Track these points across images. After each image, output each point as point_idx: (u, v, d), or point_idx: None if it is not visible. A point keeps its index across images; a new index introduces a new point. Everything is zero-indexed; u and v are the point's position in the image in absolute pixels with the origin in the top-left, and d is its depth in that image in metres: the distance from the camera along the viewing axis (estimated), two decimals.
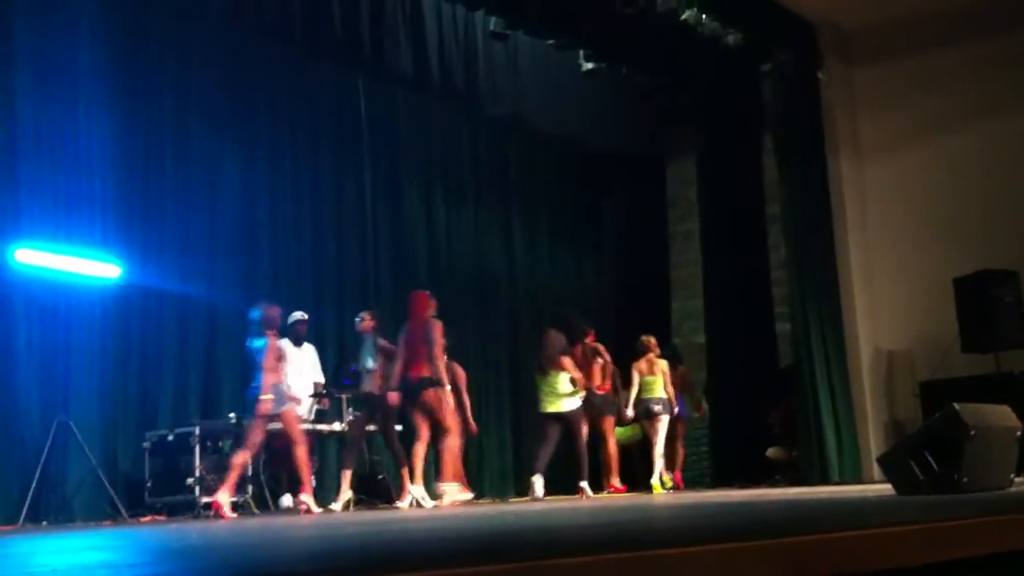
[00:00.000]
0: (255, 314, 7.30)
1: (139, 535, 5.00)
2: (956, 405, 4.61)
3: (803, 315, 9.93)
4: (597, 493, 8.90)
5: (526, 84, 10.19)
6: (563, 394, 8.59)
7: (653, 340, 9.65)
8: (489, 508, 7.10)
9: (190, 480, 7.38)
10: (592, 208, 12.40)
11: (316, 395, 8.32)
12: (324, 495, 7.93)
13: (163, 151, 8.47)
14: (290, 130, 9.50)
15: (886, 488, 5.01)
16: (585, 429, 8.81)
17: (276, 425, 7.28)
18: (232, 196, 8.89)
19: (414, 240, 10.35)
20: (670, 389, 9.51)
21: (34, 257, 7.15)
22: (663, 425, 9.42)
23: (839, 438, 9.67)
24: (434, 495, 7.62)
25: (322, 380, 8.48)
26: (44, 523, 6.78)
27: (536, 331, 9.59)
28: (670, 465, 9.89)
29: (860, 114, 10.76)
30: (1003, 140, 9.96)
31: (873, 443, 9.76)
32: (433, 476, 8.09)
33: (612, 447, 9.27)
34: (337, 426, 8.28)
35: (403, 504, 7.56)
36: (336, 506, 7.55)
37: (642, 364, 9.48)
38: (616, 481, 9.19)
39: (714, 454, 11.09)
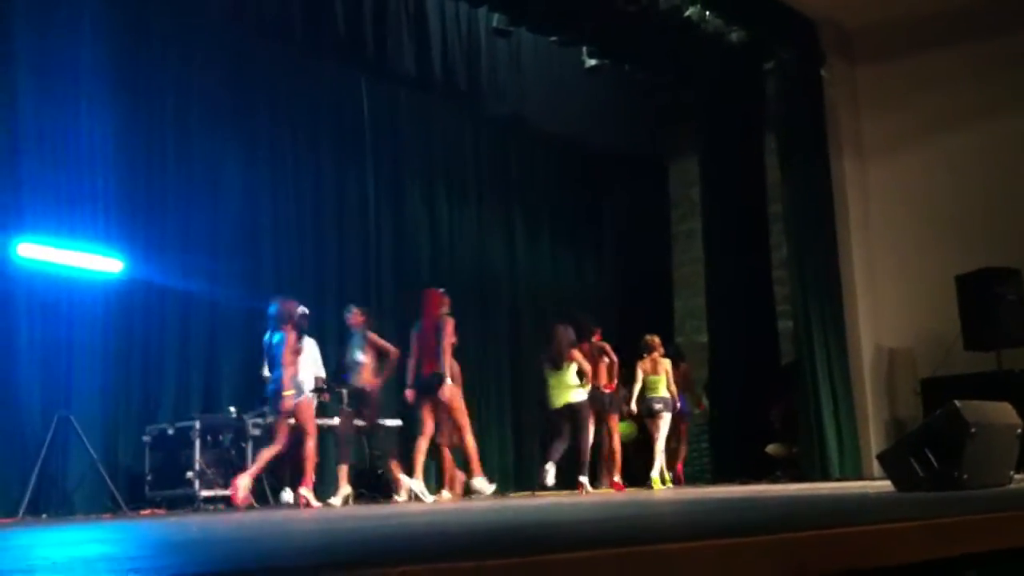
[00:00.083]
0: (272, 308, 7.39)
1: (139, 528, 5.00)
2: (957, 402, 4.62)
3: (805, 313, 9.94)
4: (596, 488, 8.92)
5: (529, 83, 10.18)
6: (573, 386, 8.67)
7: (657, 339, 9.67)
8: (490, 503, 7.12)
9: (190, 474, 7.39)
10: (594, 208, 12.39)
11: (317, 390, 8.33)
12: (324, 490, 7.94)
13: (165, 148, 8.46)
14: (291, 128, 9.49)
15: (886, 485, 5.00)
16: (592, 427, 8.89)
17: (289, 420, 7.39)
18: (234, 194, 8.88)
19: (416, 239, 10.34)
20: (673, 388, 9.54)
21: (37, 252, 7.17)
22: (665, 423, 9.44)
23: (839, 435, 9.68)
24: (469, 491, 7.87)
25: (323, 374, 8.50)
26: (44, 516, 6.80)
27: (537, 330, 9.61)
28: (671, 463, 9.91)
29: (862, 113, 10.76)
30: (1004, 139, 9.96)
31: (874, 440, 9.77)
32: (435, 471, 8.16)
33: (616, 444, 9.30)
34: (335, 420, 8.30)
35: (400, 497, 7.61)
36: (335, 501, 7.57)
37: (646, 363, 9.50)
38: (617, 478, 9.21)
39: (715, 451, 11.11)
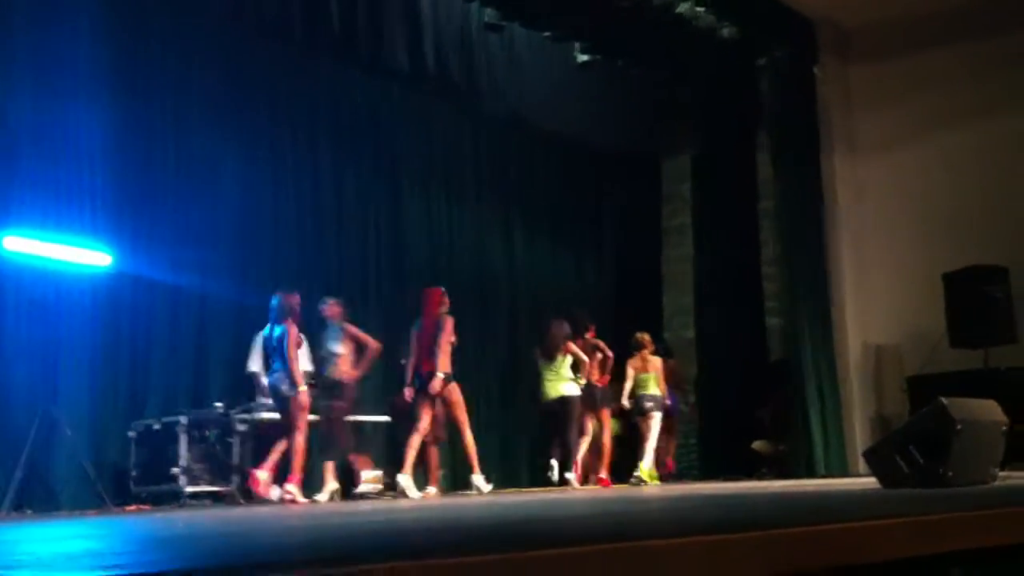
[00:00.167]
0: (275, 302, 7.38)
1: (124, 524, 4.98)
2: (944, 399, 4.63)
3: (793, 310, 9.96)
4: (583, 485, 8.93)
5: (523, 80, 10.16)
6: (566, 378, 8.68)
7: (648, 337, 9.67)
8: (478, 499, 7.12)
9: (175, 470, 7.36)
10: (592, 206, 12.36)
11: (310, 384, 8.31)
12: (311, 485, 7.90)
13: (156, 143, 8.39)
14: (289, 126, 9.42)
15: (871, 482, 5.02)
16: (589, 425, 8.94)
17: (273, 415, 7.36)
18: (230, 191, 8.81)
19: (413, 236, 10.29)
20: (663, 385, 9.54)
21: (23, 245, 7.11)
22: (656, 421, 9.44)
23: (825, 432, 9.72)
24: (472, 488, 7.86)
25: (312, 369, 8.47)
26: (28, 511, 6.75)
27: (535, 329, 9.59)
28: (659, 461, 9.91)
29: (857, 112, 10.78)
30: (998, 139, 9.99)
31: (859, 437, 9.82)
32: (422, 470, 8.14)
33: (607, 440, 9.32)
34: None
35: (321, 497, 7.47)
36: (322, 497, 7.54)
37: (636, 361, 9.50)
38: (604, 474, 9.22)
39: (703, 447, 11.13)
